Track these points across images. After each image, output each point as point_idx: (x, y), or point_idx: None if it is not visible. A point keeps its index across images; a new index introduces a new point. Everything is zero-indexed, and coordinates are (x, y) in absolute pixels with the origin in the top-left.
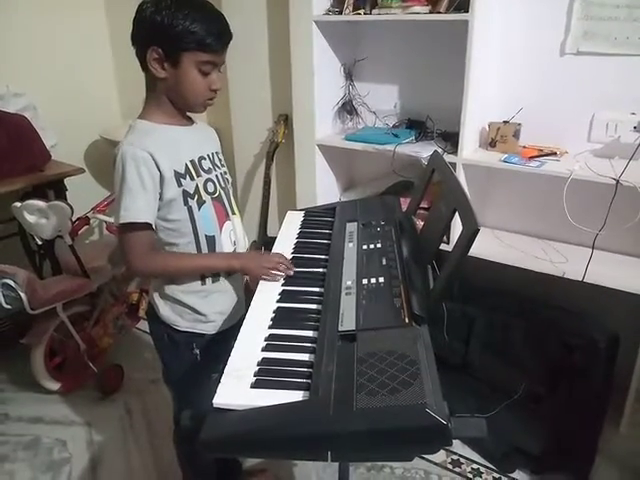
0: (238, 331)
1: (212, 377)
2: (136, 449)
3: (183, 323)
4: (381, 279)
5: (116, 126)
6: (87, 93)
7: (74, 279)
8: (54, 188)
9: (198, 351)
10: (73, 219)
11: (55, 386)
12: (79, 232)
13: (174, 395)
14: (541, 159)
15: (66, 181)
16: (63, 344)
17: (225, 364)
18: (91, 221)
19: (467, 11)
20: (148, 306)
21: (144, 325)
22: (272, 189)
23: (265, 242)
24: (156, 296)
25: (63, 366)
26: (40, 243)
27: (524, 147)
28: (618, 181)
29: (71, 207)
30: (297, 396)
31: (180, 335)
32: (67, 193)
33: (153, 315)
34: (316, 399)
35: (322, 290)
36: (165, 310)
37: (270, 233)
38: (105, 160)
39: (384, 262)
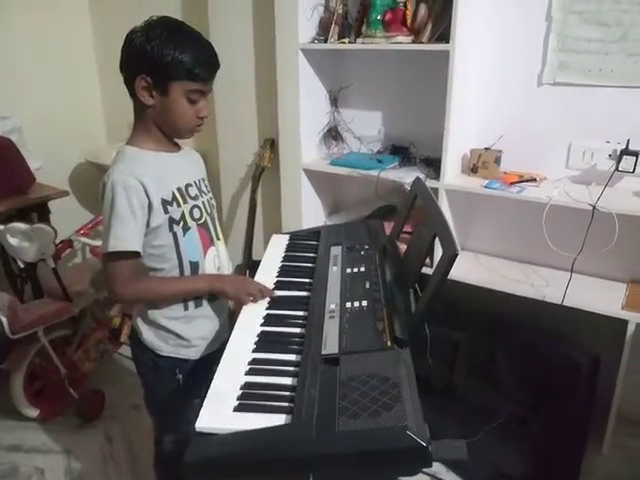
0: (221, 355)
1: (194, 402)
2: (116, 477)
3: (166, 348)
4: (364, 303)
5: (101, 149)
6: (73, 116)
7: (56, 303)
8: (38, 211)
9: (181, 376)
10: (56, 242)
11: (34, 413)
12: (62, 255)
13: (155, 420)
14: (521, 185)
15: (50, 203)
16: (43, 369)
17: (208, 388)
18: (74, 244)
19: (448, 42)
20: (131, 331)
21: (126, 350)
22: (257, 212)
23: (250, 266)
24: (139, 321)
25: (43, 392)
26: (22, 266)
27: (505, 173)
28: (595, 207)
29: (55, 230)
30: (280, 420)
31: (163, 360)
32: (51, 216)
33: (136, 340)
34: (298, 422)
35: (306, 314)
36: (149, 335)
37: (255, 256)
38: (90, 183)
39: (368, 286)
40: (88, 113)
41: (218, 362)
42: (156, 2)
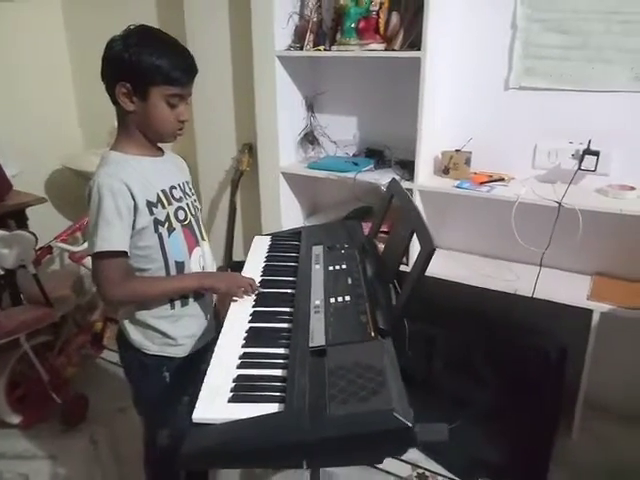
0: (207, 353)
1: (183, 400)
2: None
3: (153, 347)
4: (347, 298)
5: (78, 155)
6: (49, 123)
7: (37, 308)
8: (15, 218)
9: (167, 374)
10: (36, 248)
11: (16, 419)
12: (42, 261)
13: (144, 418)
14: (491, 184)
15: (27, 210)
16: (25, 375)
17: (196, 385)
18: (53, 250)
19: (420, 49)
20: (118, 332)
21: (108, 354)
22: (237, 215)
23: (231, 267)
24: (126, 322)
25: (25, 398)
26: (1, 273)
27: (475, 173)
28: (560, 204)
29: (35, 236)
30: (273, 408)
31: (150, 359)
32: (28, 222)
33: (123, 341)
34: (291, 410)
35: (292, 310)
36: (136, 335)
37: (235, 258)
38: (67, 189)
39: (350, 282)
40: (64, 119)
41: (206, 360)
42: (131, 11)
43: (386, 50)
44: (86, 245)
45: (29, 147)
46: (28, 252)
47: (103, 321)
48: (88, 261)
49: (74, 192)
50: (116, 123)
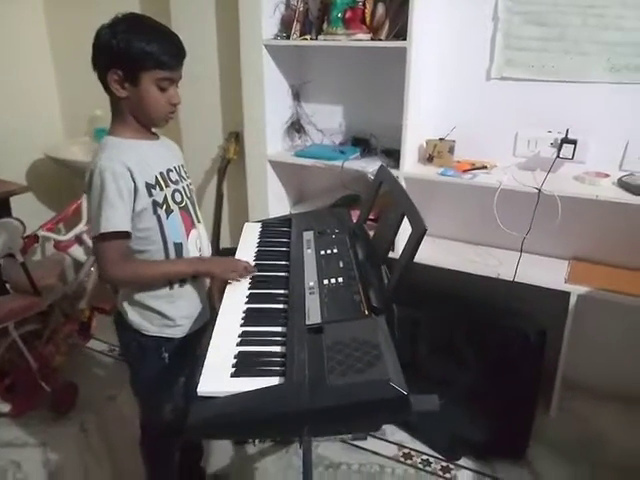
0: (203, 335)
1: (180, 380)
2: (94, 466)
3: (152, 328)
4: (340, 279)
5: (60, 145)
6: (29, 112)
7: (25, 297)
8: None
9: (167, 355)
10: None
11: (6, 408)
12: (29, 250)
13: (141, 399)
14: (474, 172)
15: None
16: (14, 364)
17: (193, 365)
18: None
19: (405, 39)
20: (115, 314)
21: (95, 344)
22: (224, 203)
23: (219, 254)
24: (125, 304)
25: (14, 387)
26: None
27: (458, 162)
28: (540, 190)
29: (23, 224)
30: (274, 381)
31: (149, 340)
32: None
33: (121, 322)
34: (291, 381)
35: (287, 292)
36: (134, 316)
37: (222, 245)
38: (50, 178)
39: (342, 265)
40: (45, 108)
41: (202, 341)
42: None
43: (372, 40)
44: (71, 234)
45: (9, 136)
46: (16, 240)
47: (90, 310)
48: (73, 250)
49: (56, 181)
50: (97, 112)
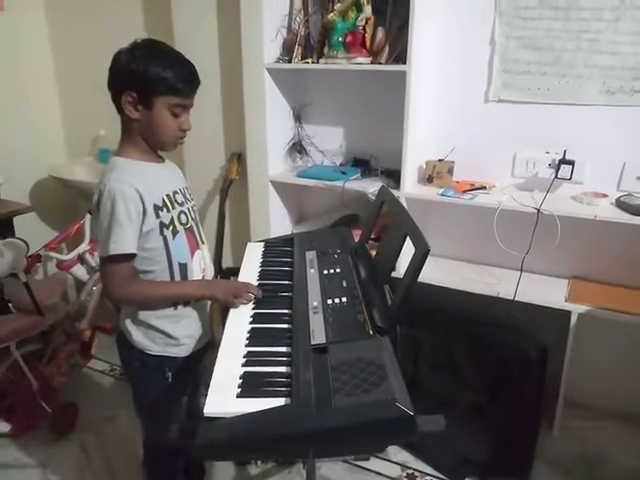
0: (205, 353)
1: (183, 400)
2: None
3: (155, 348)
4: (344, 299)
5: (63, 165)
6: (33, 132)
7: (27, 317)
8: (2, 227)
9: (170, 374)
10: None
11: (5, 428)
12: (32, 269)
13: (144, 419)
14: (473, 192)
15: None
16: (14, 384)
17: (196, 385)
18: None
19: (405, 63)
20: (118, 333)
21: (95, 363)
22: (226, 223)
23: (221, 274)
24: (128, 323)
25: (13, 407)
26: None
27: (457, 182)
28: (539, 210)
29: (27, 244)
30: (280, 402)
31: (152, 359)
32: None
33: (124, 342)
34: (298, 402)
35: (291, 311)
36: (138, 336)
37: (224, 264)
38: (54, 198)
39: (345, 284)
40: (48, 129)
41: (204, 361)
42: (117, 21)
43: (372, 64)
44: (74, 254)
45: (14, 156)
46: (20, 260)
47: (91, 330)
48: (76, 269)
49: (59, 201)
50: (101, 132)
